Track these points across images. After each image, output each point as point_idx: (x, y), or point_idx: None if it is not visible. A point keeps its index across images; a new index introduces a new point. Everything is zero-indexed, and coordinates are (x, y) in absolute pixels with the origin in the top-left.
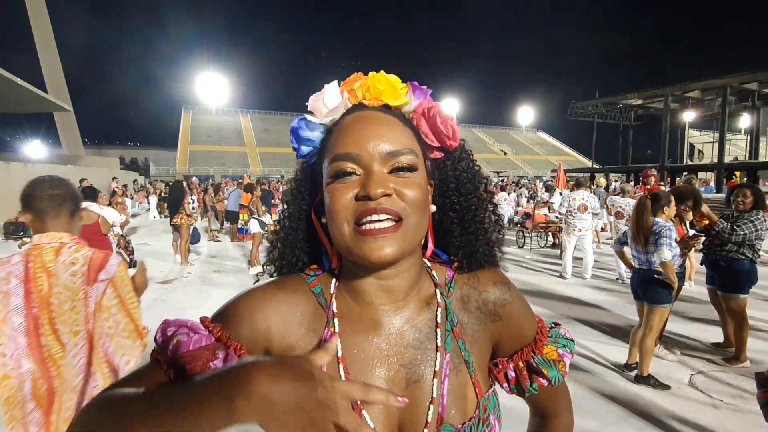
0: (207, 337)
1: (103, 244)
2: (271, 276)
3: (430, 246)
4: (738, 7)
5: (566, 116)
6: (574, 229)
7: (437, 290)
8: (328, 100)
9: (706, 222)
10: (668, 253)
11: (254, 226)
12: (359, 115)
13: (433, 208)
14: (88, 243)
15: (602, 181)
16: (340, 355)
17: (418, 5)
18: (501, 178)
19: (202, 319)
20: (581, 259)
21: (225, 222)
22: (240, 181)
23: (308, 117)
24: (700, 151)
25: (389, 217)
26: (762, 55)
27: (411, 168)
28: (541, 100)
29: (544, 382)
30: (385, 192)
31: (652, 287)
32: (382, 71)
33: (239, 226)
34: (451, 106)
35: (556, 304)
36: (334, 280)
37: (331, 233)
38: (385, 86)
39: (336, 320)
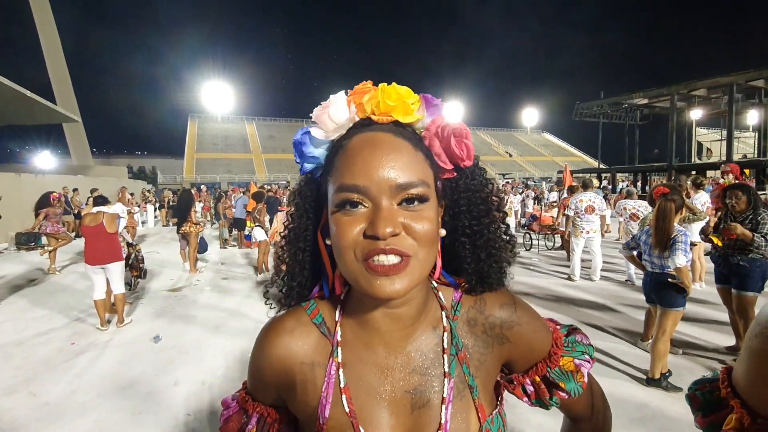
0: (252, 416)
1: (110, 240)
2: (281, 291)
3: (438, 266)
4: (742, 4)
5: (571, 117)
6: (582, 231)
7: (443, 313)
8: (335, 114)
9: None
10: (683, 258)
11: (259, 234)
12: (368, 139)
13: (443, 232)
14: (95, 240)
15: (594, 181)
16: (343, 385)
17: (421, 7)
18: (506, 181)
19: (243, 397)
20: (590, 261)
21: (233, 229)
22: (247, 188)
23: (312, 131)
24: (708, 149)
25: (397, 257)
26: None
27: (422, 200)
28: (545, 101)
29: (564, 395)
30: (394, 232)
31: (665, 291)
32: (394, 83)
33: (246, 232)
34: (454, 108)
35: (564, 306)
36: (339, 307)
37: (338, 263)
38: (396, 102)
39: (340, 349)
